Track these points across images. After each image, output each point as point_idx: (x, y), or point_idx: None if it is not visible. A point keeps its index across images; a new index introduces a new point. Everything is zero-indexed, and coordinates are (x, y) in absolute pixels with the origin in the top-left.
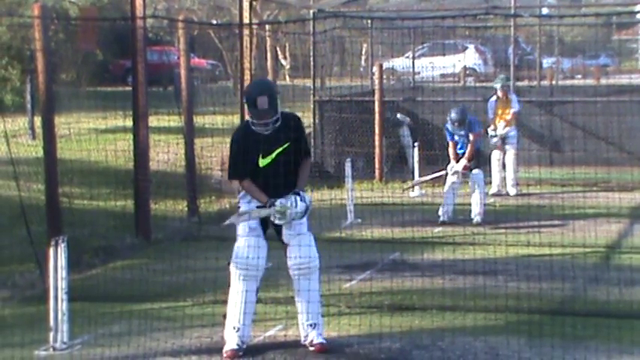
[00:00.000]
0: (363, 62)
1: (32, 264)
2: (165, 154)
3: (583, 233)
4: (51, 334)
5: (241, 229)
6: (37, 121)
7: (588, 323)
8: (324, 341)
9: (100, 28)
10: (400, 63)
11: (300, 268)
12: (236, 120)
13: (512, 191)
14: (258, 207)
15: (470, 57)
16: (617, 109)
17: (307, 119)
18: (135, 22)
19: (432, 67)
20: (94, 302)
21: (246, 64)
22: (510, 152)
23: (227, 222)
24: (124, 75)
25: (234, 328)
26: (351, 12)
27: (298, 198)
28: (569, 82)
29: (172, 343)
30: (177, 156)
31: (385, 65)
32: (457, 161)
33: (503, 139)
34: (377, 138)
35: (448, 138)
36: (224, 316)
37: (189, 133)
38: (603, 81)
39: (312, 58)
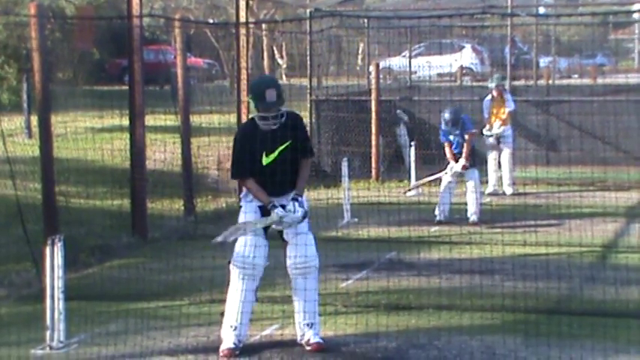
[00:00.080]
0: (359, 61)
1: (29, 263)
2: (162, 153)
3: (579, 232)
4: (47, 333)
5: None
6: (34, 120)
7: (584, 322)
8: (321, 340)
9: (96, 27)
10: (397, 62)
11: (299, 268)
12: (233, 119)
13: (508, 191)
14: (260, 217)
15: (466, 56)
16: (614, 108)
17: (304, 118)
18: (131, 20)
19: (429, 66)
20: (90, 301)
21: (243, 64)
22: (506, 152)
23: (219, 239)
24: (121, 74)
25: (231, 326)
26: (348, 11)
27: (297, 204)
28: (565, 81)
29: (169, 342)
30: (173, 155)
31: (382, 64)
32: (455, 161)
33: (499, 139)
34: (373, 137)
35: (443, 139)
36: (222, 314)
37: (186, 132)
38: (600, 80)
39: (308, 58)
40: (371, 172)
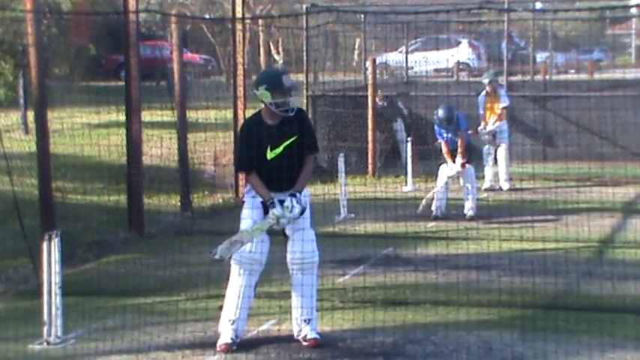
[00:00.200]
0: (356, 57)
1: (26, 258)
2: (158, 148)
3: (576, 228)
4: (45, 329)
5: (245, 223)
6: (30, 115)
7: (581, 318)
8: (318, 336)
9: (92, 22)
10: (393, 58)
11: (299, 263)
12: (229, 115)
13: (505, 186)
14: (262, 213)
15: (463, 52)
16: (611, 103)
17: None
18: (127, 16)
19: (426, 61)
20: (87, 297)
21: (239, 59)
22: (502, 147)
23: (217, 255)
24: (117, 70)
25: (229, 320)
26: (344, 6)
27: (294, 200)
28: (562, 76)
29: (166, 338)
30: (170, 151)
31: (378, 60)
32: (453, 160)
33: (494, 134)
34: (370, 133)
35: (440, 138)
36: (220, 308)
37: (182, 127)
38: (597, 76)
39: (305, 53)
40: (367, 167)
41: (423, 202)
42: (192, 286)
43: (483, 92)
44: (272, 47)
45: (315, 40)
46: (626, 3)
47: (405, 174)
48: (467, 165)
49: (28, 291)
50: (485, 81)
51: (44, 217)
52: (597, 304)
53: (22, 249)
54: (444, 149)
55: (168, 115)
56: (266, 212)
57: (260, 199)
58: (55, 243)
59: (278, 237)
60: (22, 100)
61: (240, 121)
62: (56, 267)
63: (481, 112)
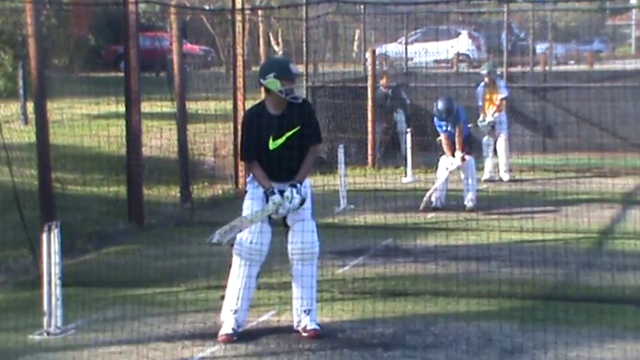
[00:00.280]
0: (355, 48)
1: (26, 249)
2: (158, 139)
3: (576, 219)
4: (45, 319)
5: (246, 213)
6: (30, 106)
7: (581, 308)
8: (318, 327)
9: (92, 13)
10: (393, 49)
11: (299, 254)
12: (229, 106)
13: (505, 177)
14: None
15: (463, 43)
16: (611, 94)
17: None
18: (127, 7)
19: (425, 52)
20: (87, 287)
21: (239, 50)
22: (501, 138)
23: (215, 239)
24: (117, 61)
25: (231, 311)
26: None
27: (294, 190)
28: (562, 67)
29: (166, 328)
30: (169, 142)
31: (378, 51)
32: (453, 153)
33: (493, 126)
34: (370, 124)
35: (440, 131)
36: (222, 298)
37: (182, 119)
38: (597, 66)
39: (304, 44)
40: (367, 158)
41: (425, 198)
42: (192, 277)
43: (482, 83)
44: (272, 38)
45: (314, 31)
46: None
47: (405, 165)
48: (467, 157)
49: (28, 282)
50: (484, 72)
51: (44, 207)
52: (597, 294)
53: (22, 240)
54: (444, 142)
55: (167, 106)
56: (267, 202)
57: (262, 189)
58: (55, 234)
59: (278, 228)
60: (21, 91)
61: (240, 113)
62: (56, 258)
63: (480, 103)
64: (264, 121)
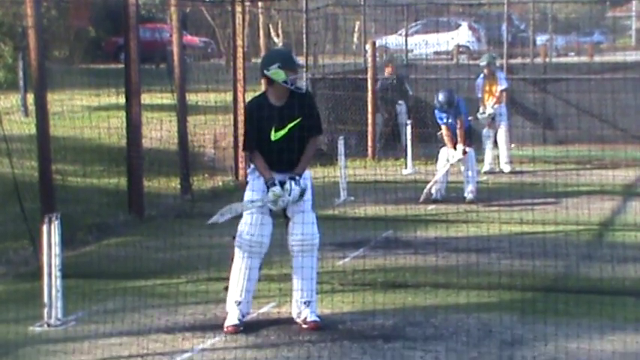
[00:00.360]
0: (355, 40)
1: (26, 241)
2: (158, 131)
3: (576, 211)
4: (45, 311)
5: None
6: (30, 98)
7: (581, 300)
8: (318, 319)
9: (92, 4)
10: (393, 40)
11: (299, 245)
12: (229, 97)
13: (506, 168)
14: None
15: (463, 34)
16: (611, 86)
17: None
18: None
19: (426, 44)
20: (88, 279)
21: (239, 42)
22: (502, 130)
23: (211, 220)
24: (117, 52)
25: (235, 302)
26: None
27: (293, 183)
28: (562, 59)
29: (166, 320)
30: (169, 133)
31: (378, 43)
32: (454, 146)
33: (493, 117)
34: (370, 115)
35: (440, 123)
36: (226, 289)
37: (182, 110)
38: (597, 58)
39: (304, 36)
40: (367, 150)
41: (425, 191)
42: (193, 268)
43: (481, 75)
44: (272, 30)
45: (314, 23)
46: None
47: (405, 157)
48: (468, 149)
49: (29, 273)
50: (483, 64)
51: (44, 199)
52: (597, 286)
53: (23, 231)
54: (445, 133)
55: (168, 98)
56: (267, 193)
57: (263, 180)
58: (55, 225)
59: (278, 219)
60: (21, 83)
61: (240, 104)
62: (56, 249)
63: (479, 95)
64: (266, 112)
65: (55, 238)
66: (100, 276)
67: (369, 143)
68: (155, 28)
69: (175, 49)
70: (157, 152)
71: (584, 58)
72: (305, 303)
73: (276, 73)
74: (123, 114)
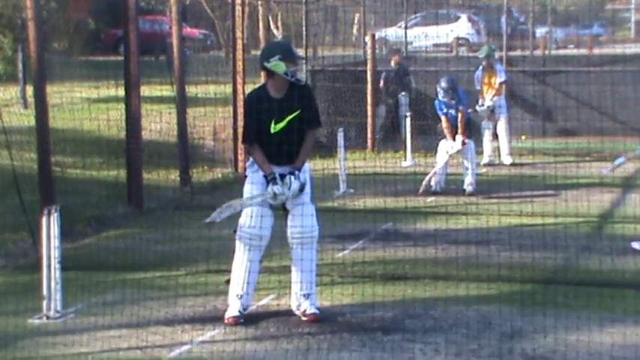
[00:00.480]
0: (355, 32)
1: (25, 233)
2: (158, 123)
3: (575, 203)
4: (44, 303)
5: (247, 197)
6: (29, 90)
7: (580, 292)
8: (317, 311)
9: None
10: (393, 33)
11: (298, 237)
12: (228, 89)
13: (507, 160)
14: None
15: (462, 27)
16: (610, 78)
17: None
18: None
19: (425, 36)
20: (87, 271)
21: (238, 34)
22: (502, 122)
23: (209, 218)
24: (116, 44)
25: (237, 295)
26: None
27: (293, 177)
28: (562, 51)
29: (165, 313)
30: (169, 125)
31: (378, 35)
32: (453, 137)
33: (493, 110)
34: (369, 107)
35: (440, 113)
36: (227, 282)
37: (182, 102)
38: (596, 51)
39: (304, 28)
40: (367, 142)
41: (424, 182)
42: (192, 260)
43: (480, 68)
44: (271, 22)
45: (314, 15)
46: None
47: (405, 149)
48: (467, 142)
49: (28, 265)
50: (482, 56)
51: (43, 191)
52: (596, 279)
53: (22, 223)
54: (445, 124)
55: (167, 90)
56: (267, 189)
57: (262, 174)
58: (55, 217)
59: (278, 212)
60: (20, 75)
61: (240, 96)
62: (55, 241)
63: (478, 87)
64: (266, 104)
65: (55, 230)
66: (99, 268)
67: (369, 135)
68: (155, 20)
69: (175, 41)
70: (157, 144)
71: (583, 51)
72: (304, 295)
73: (277, 65)
74: (122, 106)
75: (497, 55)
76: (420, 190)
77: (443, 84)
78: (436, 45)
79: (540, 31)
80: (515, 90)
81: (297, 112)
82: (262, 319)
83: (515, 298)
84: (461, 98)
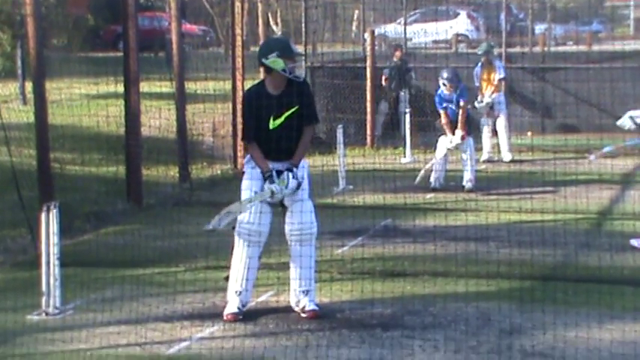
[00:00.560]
0: (354, 28)
1: (24, 229)
2: (157, 119)
3: (575, 200)
4: (43, 299)
5: (245, 194)
6: (28, 86)
7: (579, 289)
8: (317, 308)
9: None
10: (392, 29)
11: (297, 234)
12: (227, 86)
13: (507, 156)
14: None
15: (462, 23)
16: (610, 75)
17: None
18: None
19: (424, 33)
20: (86, 267)
21: (238, 30)
22: (501, 118)
23: (210, 226)
24: (115, 40)
25: (236, 292)
26: None
27: (291, 175)
28: (561, 48)
29: (164, 309)
30: (168, 122)
31: (377, 31)
32: (453, 132)
33: (492, 106)
34: (369, 104)
35: (439, 108)
36: (226, 278)
37: (181, 99)
38: (595, 47)
39: (303, 24)
40: (366, 138)
41: (422, 172)
42: (191, 257)
43: (479, 64)
44: (270, 18)
45: (313, 11)
46: None
47: (404, 145)
48: (466, 137)
49: (27, 262)
50: (480, 52)
51: (42, 187)
52: (595, 275)
53: (21, 220)
54: (444, 120)
55: (166, 86)
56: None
57: (259, 170)
58: (54, 214)
59: (276, 208)
60: (20, 71)
61: (239, 93)
62: (54, 238)
63: (477, 84)
64: (264, 100)
65: (54, 226)
66: (98, 264)
67: (368, 132)
68: (154, 16)
69: (174, 38)
70: (156, 140)
71: (582, 47)
72: (304, 292)
73: (275, 61)
74: (121, 102)
75: (496, 51)
76: (416, 181)
77: (445, 74)
78: (435, 41)
79: (539, 28)
80: (515, 86)
81: (295, 108)
82: (261, 315)
83: (514, 294)
84: (462, 93)
